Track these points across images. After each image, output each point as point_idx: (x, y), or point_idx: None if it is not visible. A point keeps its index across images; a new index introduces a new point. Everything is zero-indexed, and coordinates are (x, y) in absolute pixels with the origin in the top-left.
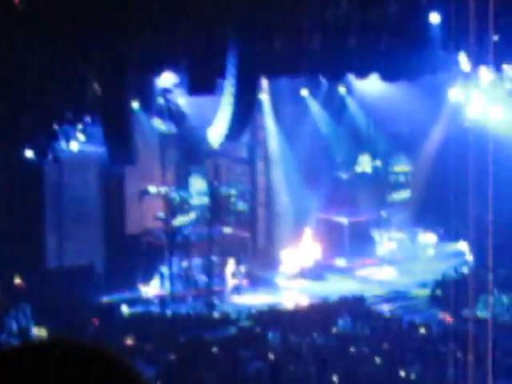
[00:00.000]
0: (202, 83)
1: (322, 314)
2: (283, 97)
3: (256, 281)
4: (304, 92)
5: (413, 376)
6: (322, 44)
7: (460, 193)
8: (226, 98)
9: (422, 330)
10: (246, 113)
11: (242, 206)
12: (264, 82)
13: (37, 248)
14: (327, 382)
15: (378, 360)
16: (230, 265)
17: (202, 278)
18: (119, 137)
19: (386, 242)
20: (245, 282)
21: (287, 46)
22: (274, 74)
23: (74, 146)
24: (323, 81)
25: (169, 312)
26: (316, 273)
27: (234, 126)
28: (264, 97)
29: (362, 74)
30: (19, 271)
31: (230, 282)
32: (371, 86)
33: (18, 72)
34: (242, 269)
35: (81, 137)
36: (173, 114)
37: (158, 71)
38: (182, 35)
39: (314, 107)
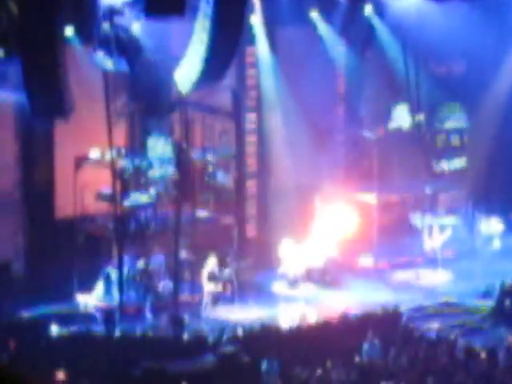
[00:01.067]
0: (164, 0)
1: (339, 335)
2: (283, 21)
3: (244, 287)
4: (313, 14)
5: None
6: None
7: None
8: (201, 24)
9: (484, 358)
10: (228, 44)
11: (223, 178)
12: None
13: None
14: None
15: None
16: (207, 264)
17: (166, 284)
18: (45, 78)
19: (433, 231)
20: (228, 288)
21: None
22: None
23: None
24: None
25: (117, 333)
26: (331, 276)
27: (211, 64)
28: (256, 21)
29: None
30: None
31: (207, 290)
32: (410, 4)
33: None
34: (225, 270)
35: None
36: (123, 46)
37: None
38: None
39: (328, 35)
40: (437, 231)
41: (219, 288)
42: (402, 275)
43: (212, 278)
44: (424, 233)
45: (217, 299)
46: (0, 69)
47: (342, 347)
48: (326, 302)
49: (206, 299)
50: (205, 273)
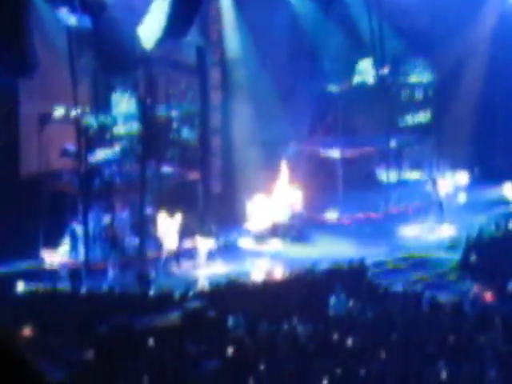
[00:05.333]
0: None
1: (305, 290)
2: None
3: (216, 250)
4: None
5: (432, 380)
6: None
7: (508, 115)
8: None
9: (450, 312)
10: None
11: (188, 134)
12: None
13: None
14: None
15: (383, 355)
16: (172, 220)
17: (132, 240)
18: (8, 35)
19: (396, 185)
20: (193, 244)
21: None
22: None
23: None
24: None
25: (84, 289)
26: (297, 231)
27: (175, 20)
28: None
29: None
30: None
31: (172, 246)
32: None
33: None
34: (190, 226)
35: None
36: (87, 3)
37: None
38: None
39: None
40: (399, 185)
41: (183, 244)
42: (366, 230)
43: (176, 234)
44: (387, 186)
45: (181, 255)
46: None
47: (309, 302)
48: (293, 257)
49: (170, 255)
50: (169, 229)
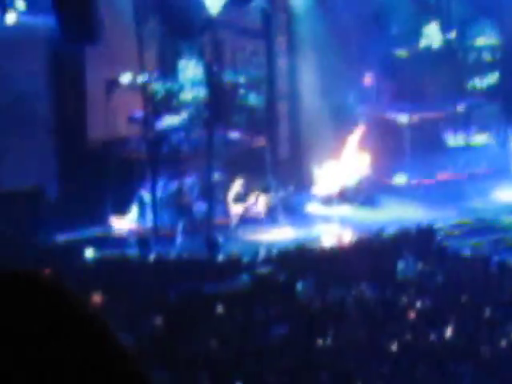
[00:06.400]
0: None
1: (373, 254)
2: None
3: (279, 208)
4: None
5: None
6: None
7: None
8: None
9: None
10: None
11: (254, 100)
12: None
13: None
14: (382, 351)
15: (453, 319)
16: (240, 186)
17: (200, 207)
18: (76, 2)
19: (465, 148)
20: (262, 209)
21: None
22: None
23: (10, 18)
24: None
25: (152, 256)
26: (365, 195)
27: None
28: None
29: None
30: None
31: (241, 211)
32: None
33: None
34: (258, 191)
35: (20, 4)
36: None
37: None
38: None
39: None
40: (468, 148)
41: (252, 209)
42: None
43: (244, 199)
44: (456, 150)
45: (250, 221)
46: None
47: (377, 266)
48: (361, 222)
49: (239, 221)
50: (237, 195)
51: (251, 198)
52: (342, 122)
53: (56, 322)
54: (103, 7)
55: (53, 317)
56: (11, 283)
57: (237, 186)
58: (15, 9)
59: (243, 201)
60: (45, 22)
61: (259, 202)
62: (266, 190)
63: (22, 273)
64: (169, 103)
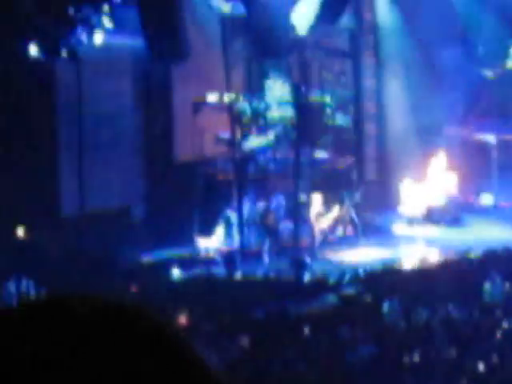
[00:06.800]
0: None
1: (460, 275)
2: None
3: (364, 228)
4: None
5: None
6: None
7: None
8: None
9: None
10: None
11: (342, 119)
12: None
13: (47, 186)
14: (470, 372)
15: None
16: (320, 205)
17: (287, 226)
18: (163, 22)
19: None
20: (348, 229)
21: None
22: None
23: (98, 38)
24: None
25: (238, 275)
26: (451, 216)
27: (328, 4)
28: None
29: None
30: (22, 219)
31: (327, 231)
32: None
33: None
34: (344, 211)
35: (107, 23)
36: None
37: None
38: None
39: None
40: None
41: (339, 229)
42: None
43: (331, 219)
44: None
45: (337, 241)
46: (117, 14)
47: (463, 287)
48: (447, 242)
49: (325, 240)
50: (323, 214)
51: (335, 218)
52: (429, 141)
53: (162, 363)
54: (190, 26)
55: (159, 359)
56: (116, 319)
57: (317, 204)
58: (103, 29)
59: (326, 220)
60: (132, 41)
61: (344, 222)
62: (351, 210)
63: (129, 308)
64: (256, 123)
